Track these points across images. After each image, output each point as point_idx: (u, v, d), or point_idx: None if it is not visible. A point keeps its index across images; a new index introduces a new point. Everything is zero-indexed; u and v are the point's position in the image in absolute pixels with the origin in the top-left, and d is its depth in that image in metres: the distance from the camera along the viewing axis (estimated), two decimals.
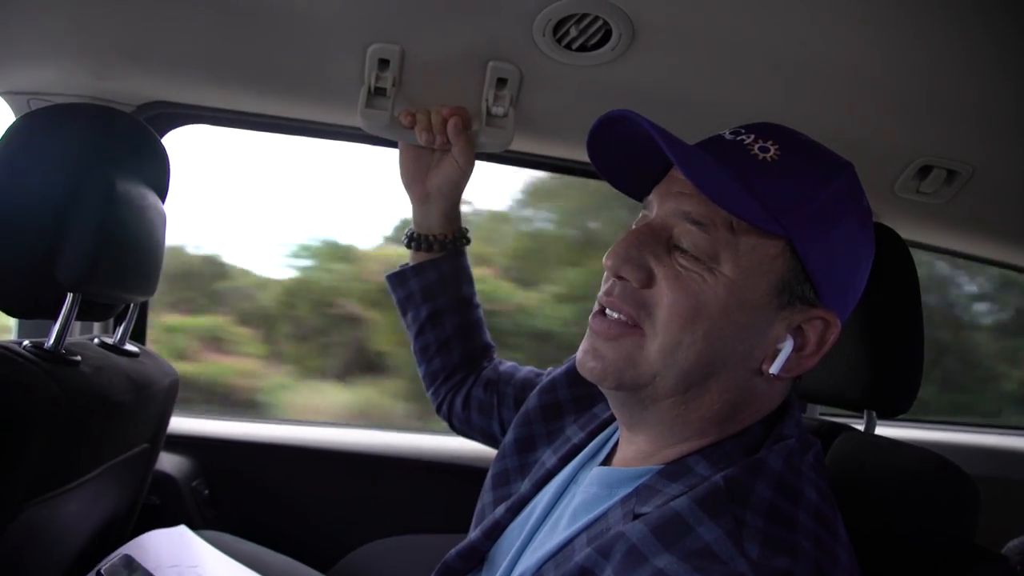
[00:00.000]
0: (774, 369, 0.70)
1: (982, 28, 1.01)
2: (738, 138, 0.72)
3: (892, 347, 0.95)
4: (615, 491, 0.74)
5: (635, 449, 0.77)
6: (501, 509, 0.89)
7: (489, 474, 0.99)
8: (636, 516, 0.68)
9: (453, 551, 0.89)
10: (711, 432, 0.72)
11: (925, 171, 1.34)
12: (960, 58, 1.08)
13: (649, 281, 0.71)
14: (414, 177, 1.13)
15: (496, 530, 0.88)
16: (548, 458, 0.91)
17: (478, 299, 1.19)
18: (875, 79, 1.14)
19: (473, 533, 0.90)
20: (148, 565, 0.92)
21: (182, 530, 1.12)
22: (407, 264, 1.16)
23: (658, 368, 0.70)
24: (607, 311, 0.73)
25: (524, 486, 0.90)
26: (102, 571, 0.86)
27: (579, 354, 0.75)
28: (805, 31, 1.06)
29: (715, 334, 0.68)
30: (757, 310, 0.69)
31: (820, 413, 1.60)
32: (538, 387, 1.02)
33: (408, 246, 1.16)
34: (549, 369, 1.10)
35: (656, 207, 0.74)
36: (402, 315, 1.18)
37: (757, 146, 0.70)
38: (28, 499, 0.80)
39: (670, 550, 0.60)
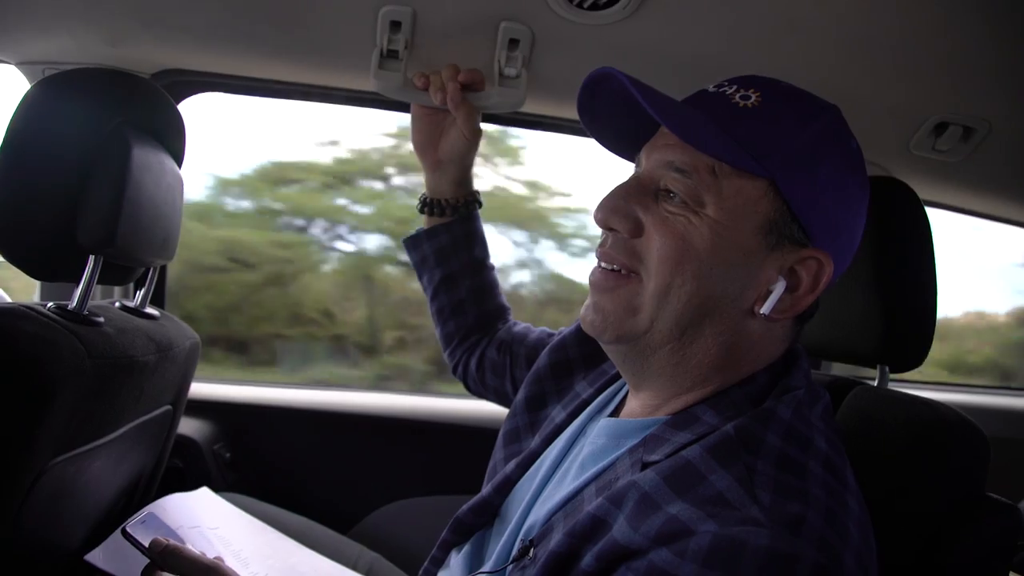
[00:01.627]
0: (765, 309, 0.71)
1: None
2: (720, 89, 0.74)
3: (904, 302, 0.95)
4: (623, 442, 0.76)
5: (641, 402, 0.79)
6: (511, 465, 0.91)
7: (500, 432, 1.01)
8: (645, 465, 0.69)
9: (465, 506, 0.91)
10: (714, 379, 0.74)
11: (941, 128, 1.33)
12: (975, 15, 1.07)
13: (638, 230, 0.73)
14: (427, 143, 1.14)
15: (507, 485, 0.90)
16: (557, 414, 0.93)
17: (492, 261, 1.21)
18: (888, 37, 1.13)
19: (485, 489, 0.92)
20: (170, 525, 0.94)
21: (204, 492, 1.15)
22: (421, 228, 1.18)
23: (654, 313, 0.72)
24: (603, 265, 0.76)
25: (534, 441, 0.92)
26: (127, 528, 0.88)
27: (582, 310, 0.78)
28: None
29: (704, 274, 0.70)
30: (745, 251, 0.70)
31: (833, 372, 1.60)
32: (548, 346, 1.04)
33: (421, 211, 1.18)
34: (560, 329, 1.11)
35: (644, 161, 0.76)
36: (419, 278, 1.21)
37: (738, 95, 0.72)
38: (56, 454, 0.82)
39: (683, 497, 0.61)
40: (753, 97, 0.72)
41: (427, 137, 1.14)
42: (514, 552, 0.77)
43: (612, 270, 0.75)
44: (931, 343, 0.97)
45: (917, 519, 0.84)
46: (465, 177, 1.16)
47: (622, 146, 0.82)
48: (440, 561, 0.94)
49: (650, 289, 0.72)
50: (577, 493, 0.75)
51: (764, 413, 0.68)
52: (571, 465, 0.81)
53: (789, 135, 0.70)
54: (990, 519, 0.84)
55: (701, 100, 0.74)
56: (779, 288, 0.71)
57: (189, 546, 0.90)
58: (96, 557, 0.88)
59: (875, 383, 1.01)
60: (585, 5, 1.08)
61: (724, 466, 0.63)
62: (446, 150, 1.13)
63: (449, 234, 1.15)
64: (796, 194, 0.70)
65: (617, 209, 0.73)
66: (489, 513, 0.90)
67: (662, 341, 0.73)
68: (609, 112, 0.78)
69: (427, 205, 1.16)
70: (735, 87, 0.73)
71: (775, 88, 0.73)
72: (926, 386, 2.05)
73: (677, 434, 0.70)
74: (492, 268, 1.21)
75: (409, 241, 1.19)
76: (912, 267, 0.95)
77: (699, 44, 1.18)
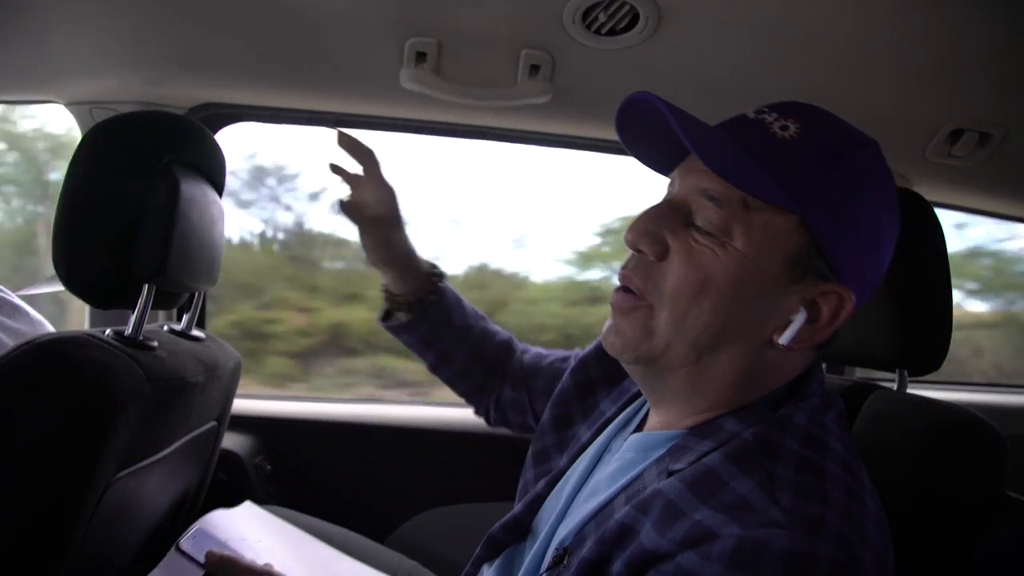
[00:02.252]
0: (784, 340, 0.71)
1: None
2: (759, 116, 0.73)
3: (921, 308, 0.98)
4: (649, 453, 0.77)
5: (662, 419, 0.80)
6: (542, 484, 0.92)
7: (529, 452, 1.03)
8: (670, 473, 0.70)
9: (498, 524, 0.92)
10: (732, 400, 0.74)
11: (956, 135, 1.35)
12: (984, 22, 1.09)
13: (664, 254, 0.73)
14: (380, 252, 1.13)
15: (536, 502, 0.91)
16: (583, 432, 0.95)
17: (474, 311, 1.22)
18: (900, 48, 1.16)
19: (517, 507, 0.93)
20: (220, 538, 1.00)
21: (247, 505, 1.20)
22: (395, 321, 1.18)
23: (669, 338, 0.72)
24: (621, 285, 0.76)
25: (562, 460, 0.93)
26: (180, 545, 0.93)
27: (603, 332, 0.78)
28: (828, 8, 1.08)
29: (723, 306, 0.70)
30: (769, 283, 0.70)
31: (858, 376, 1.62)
32: (570, 368, 1.05)
33: (386, 317, 1.19)
34: (576, 351, 1.12)
35: (678, 184, 0.76)
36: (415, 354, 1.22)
37: (777, 124, 0.71)
38: (119, 470, 0.88)
39: (707, 503, 0.63)
40: (792, 128, 0.71)
41: (377, 245, 1.13)
42: (547, 560, 0.78)
43: (628, 291, 0.75)
44: (948, 347, 0.99)
45: (937, 519, 0.86)
46: (412, 268, 1.15)
47: (659, 163, 0.82)
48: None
49: (663, 318, 0.72)
50: (608, 503, 0.76)
51: (781, 419, 0.70)
52: (600, 478, 0.82)
53: (825, 171, 0.70)
54: (1010, 518, 0.86)
55: (739, 127, 0.74)
56: (799, 320, 0.71)
57: (239, 557, 0.95)
58: None
59: (895, 387, 1.04)
60: (603, 31, 1.12)
61: (745, 472, 0.64)
62: (392, 249, 1.13)
63: (426, 323, 1.16)
64: (826, 231, 0.69)
65: (648, 232, 0.73)
66: (520, 531, 0.91)
67: (678, 364, 0.74)
68: (645, 132, 0.77)
69: (400, 308, 1.16)
70: (775, 115, 0.72)
71: (815, 119, 0.73)
72: (945, 386, 2.06)
73: (700, 443, 0.72)
74: (480, 318, 1.22)
75: (390, 328, 1.19)
76: (927, 275, 0.98)
77: (715, 64, 1.22)
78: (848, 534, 0.60)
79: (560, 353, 1.18)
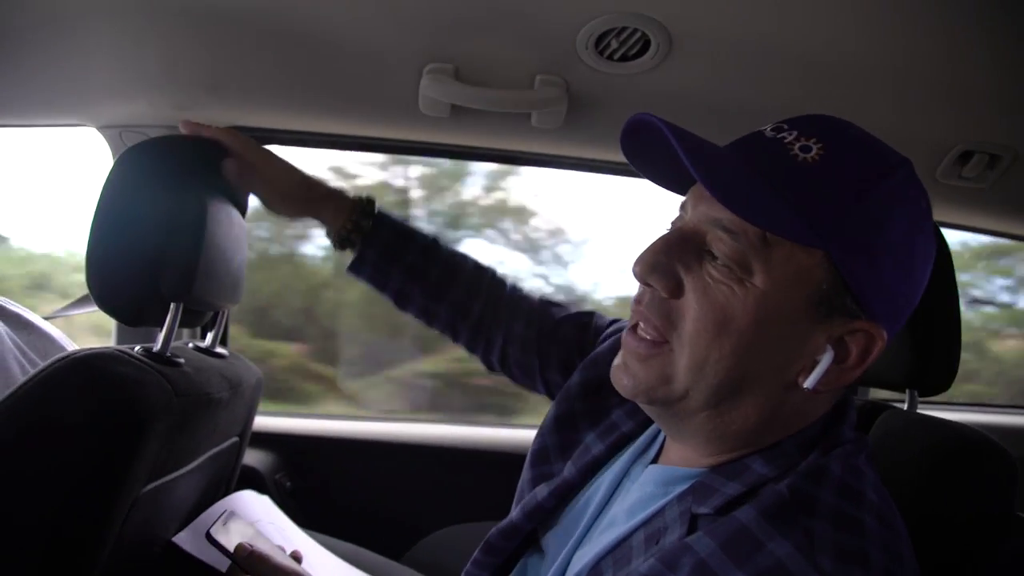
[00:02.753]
0: (809, 383, 0.65)
1: (1012, 14, 1.04)
2: (779, 135, 0.66)
3: (931, 328, 0.98)
4: (670, 488, 0.73)
5: (680, 454, 0.76)
6: (544, 491, 0.88)
7: (530, 451, 0.97)
8: (693, 516, 0.67)
9: (495, 529, 0.89)
10: (756, 442, 0.70)
11: (966, 157, 1.36)
12: (992, 44, 1.11)
13: (677, 290, 0.67)
14: (277, 202, 1.08)
15: (538, 512, 0.87)
16: (593, 443, 0.89)
17: (435, 246, 1.09)
18: (909, 70, 1.18)
19: (514, 512, 0.90)
20: (248, 518, 1.02)
21: (266, 498, 1.23)
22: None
23: (688, 384, 0.67)
24: (640, 326, 0.71)
25: (568, 469, 0.89)
26: (210, 532, 0.94)
27: (612, 367, 0.73)
28: (836, 30, 1.10)
29: (744, 348, 0.65)
30: (792, 323, 0.65)
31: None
32: (583, 362, 0.97)
33: (340, 248, 1.09)
34: (607, 322, 1.05)
35: (690, 210, 0.70)
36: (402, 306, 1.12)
37: (798, 145, 0.65)
38: (148, 482, 0.91)
39: (742, 568, 0.58)
40: (814, 149, 0.64)
41: (273, 195, 1.07)
42: None
43: (644, 338, 0.70)
44: (957, 368, 1.00)
45: (947, 539, 0.86)
46: (330, 206, 1.06)
47: (673, 182, 0.76)
48: (479, 564, 0.93)
49: (684, 360, 0.67)
50: (626, 539, 0.73)
51: (816, 470, 0.65)
52: (619, 509, 0.78)
53: (851, 200, 0.63)
54: (1020, 538, 0.87)
55: (755, 148, 0.67)
56: (826, 360, 0.65)
57: (269, 540, 0.96)
58: (184, 541, 0.96)
59: (904, 407, 1.05)
60: (615, 57, 1.15)
61: (782, 533, 0.59)
62: (284, 191, 1.06)
63: (364, 263, 1.06)
64: (853, 267, 0.63)
65: (657, 266, 0.67)
66: (519, 537, 0.89)
67: (697, 408, 0.68)
68: (654, 154, 0.72)
69: (339, 242, 1.07)
70: (795, 133, 0.65)
71: (841, 137, 0.66)
72: (955, 407, 2.05)
73: (727, 484, 0.67)
74: (439, 257, 1.08)
75: (355, 272, 1.08)
76: (937, 296, 0.99)
77: (726, 88, 1.24)
78: None
79: (582, 314, 1.08)
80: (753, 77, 1.22)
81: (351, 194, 1.08)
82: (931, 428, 0.95)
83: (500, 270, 1.13)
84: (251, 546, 0.89)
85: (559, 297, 1.13)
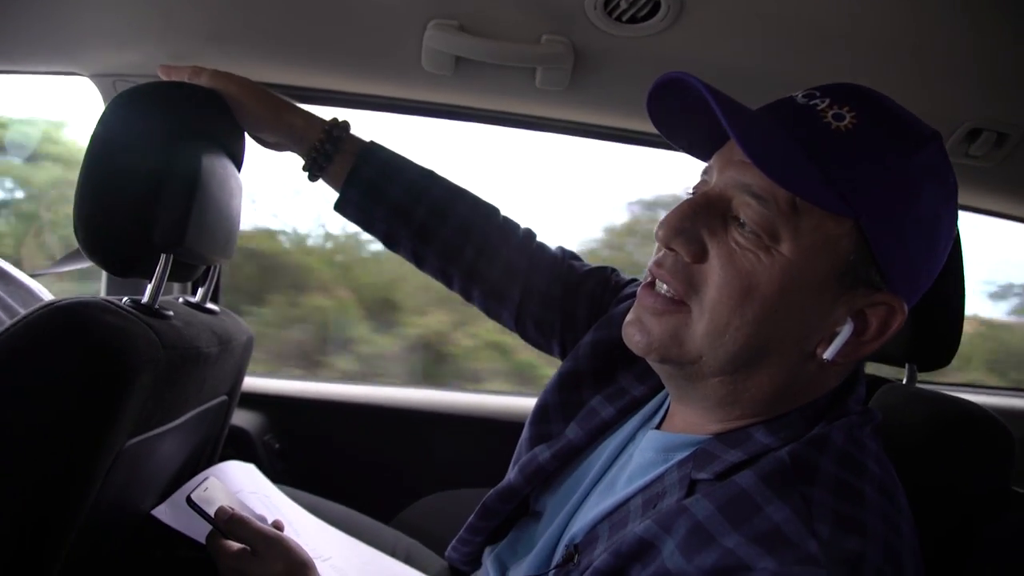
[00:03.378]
0: (828, 354, 0.66)
1: None
2: (811, 102, 0.66)
3: (932, 303, 0.98)
4: (670, 455, 0.73)
5: (684, 420, 0.76)
6: (546, 453, 0.87)
7: (532, 409, 0.95)
8: (693, 481, 0.67)
9: (492, 492, 0.89)
10: (763, 412, 0.70)
11: (974, 135, 1.35)
12: (1004, 21, 1.09)
13: (702, 256, 0.67)
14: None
15: (539, 475, 0.87)
16: (601, 406, 0.88)
17: (424, 183, 1.00)
18: (918, 45, 1.16)
19: (512, 473, 0.90)
20: (232, 488, 1.01)
21: (252, 467, 1.22)
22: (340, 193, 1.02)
23: (703, 349, 0.67)
24: (656, 283, 0.70)
25: (573, 431, 0.88)
26: (191, 496, 0.93)
27: (625, 324, 0.72)
28: (851, 1, 1.08)
29: (767, 317, 0.64)
30: (816, 293, 0.64)
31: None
32: (597, 322, 0.95)
33: (313, 178, 1.02)
34: (624, 280, 1.01)
35: (716, 175, 0.69)
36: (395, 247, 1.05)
37: (831, 112, 0.64)
38: (132, 436, 0.89)
39: (738, 530, 0.59)
40: (848, 118, 0.63)
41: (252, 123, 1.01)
42: (558, 558, 0.76)
43: (661, 294, 0.69)
44: (959, 343, 0.99)
45: (943, 512, 0.86)
46: (300, 122, 1.00)
47: (693, 145, 0.75)
48: (468, 542, 0.94)
49: (703, 325, 0.66)
50: (624, 503, 0.73)
51: (818, 439, 0.65)
52: (619, 474, 0.79)
53: (884, 171, 0.63)
54: (1016, 512, 0.87)
55: (787, 113, 0.66)
56: (846, 332, 0.65)
57: (251, 509, 0.95)
58: (162, 513, 0.94)
59: (904, 381, 1.04)
60: (624, 18, 1.12)
61: (781, 497, 0.60)
62: (257, 124, 1.02)
63: (344, 199, 1.00)
64: (882, 238, 0.63)
65: (683, 230, 0.67)
66: (516, 499, 0.88)
67: (711, 373, 0.68)
68: (676, 116, 0.71)
69: (309, 167, 1.00)
70: (828, 101, 0.65)
71: (874, 107, 0.65)
72: (956, 387, 2.06)
73: (728, 451, 0.67)
74: (427, 186, 1.01)
75: (337, 208, 1.02)
76: (942, 272, 0.98)
77: (734, 55, 1.22)
78: (887, 571, 0.57)
79: (604, 269, 1.02)
80: (763, 44, 1.20)
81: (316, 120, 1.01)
82: (930, 402, 0.95)
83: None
84: (232, 510, 0.87)
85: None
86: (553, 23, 1.17)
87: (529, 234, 1.04)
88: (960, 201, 1.51)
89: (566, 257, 1.04)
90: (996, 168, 1.41)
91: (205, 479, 0.98)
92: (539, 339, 1.03)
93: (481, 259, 1.00)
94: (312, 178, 1.01)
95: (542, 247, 1.03)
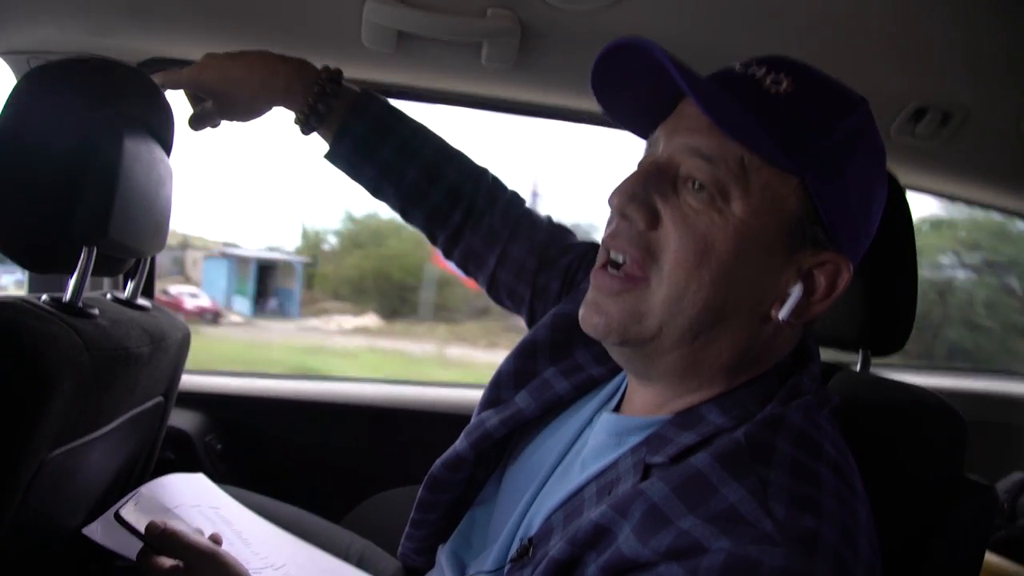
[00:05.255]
0: (782, 314, 0.67)
1: None
2: (749, 71, 0.68)
3: (885, 288, 0.98)
4: (624, 439, 0.73)
5: (643, 400, 0.76)
6: (493, 418, 0.87)
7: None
8: (647, 466, 0.67)
9: (438, 461, 0.89)
10: (722, 382, 0.71)
11: (919, 114, 1.36)
12: (944, 0, 1.09)
13: (655, 222, 0.68)
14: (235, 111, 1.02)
15: (484, 440, 0.87)
16: (556, 379, 0.88)
17: (416, 140, 1.01)
18: (866, 22, 1.16)
19: (459, 441, 0.89)
20: (169, 503, 0.94)
21: (200, 476, 1.15)
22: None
23: (664, 318, 0.67)
24: (611, 254, 0.70)
25: (524, 400, 0.87)
26: (119, 512, 0.87)
27: (582, 309, 0.72)
28: None
29: (723, 278, 0.66)
30: (768, 252, 0.66)
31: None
32: (567, 296, 0.96)
33: (307, 132, 1.01)
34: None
35: (663, 143, 0.70)
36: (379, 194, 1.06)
37: (769, 79, 0.67)
38: (56, 446, 0.83)
39: (694, 511, 0.59)
40: (785, 83, 0.66)
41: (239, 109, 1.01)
42: (512, 552, 0.75)
43: (616, 275, 0.70)
44: (912, 327, 0.99)
45: (897, 500, 0.86)
46: (282, 85, 0.98)
47: (634, 121, 0.76)
48: (419, 523, 0.93)
49: (660, 295, 0.67)
50: (578, 492, 0.73)
51: (774, 419, 0.66)
52: (574, 459, 0.78)
53: (822, 130, 0.66)
54: (968, 500, 0.87)
55: (728, 81, 0.69)
56: (796, 292, 0.67)
57: (187, 524, 0.89)
58: (94, 532, 0.87)
59: (857, 368, 1.03)
60: None
61: (736, 477, 0.60)
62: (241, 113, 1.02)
63: (348, 142, 0.99)
64: (826, 194, 0.66)
65: (635, 196, 0.68)
66: (463, 468, 0.88)
67: (672, 346, 0.69)
68: (623, 85, 0.72)
69: (303, 122, 0.99)
70: (764, 68, 0.68)
71: (807, 75, 0.68)
72: (908, 369, 2.11)
73: (681, 434, 0.68)
74: (428, 142, 1.02)
75: (328, 157, 1.02)
76: (893, 254, 0.98)
77: (685, 30, 1.20)
78: (843, 551, 0.58)
79: (582, 247, 1.02)
80: (711, 20, 1.18)
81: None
82: (884, 389, 0.95)
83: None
84: (164, 524, 0.81)
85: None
86: None
87: (515, 200, 1.05)
88: (908, 182, 1.58)
89: (551, 229, 1.04)
90: (941, 147, 1.42)
91: (137, 494, 0.91)
92: (511, 306, 1.05)
93: (467, 224, 1.02)
94: (305, 133, 1.01)
95: (527, 215, 1.04)
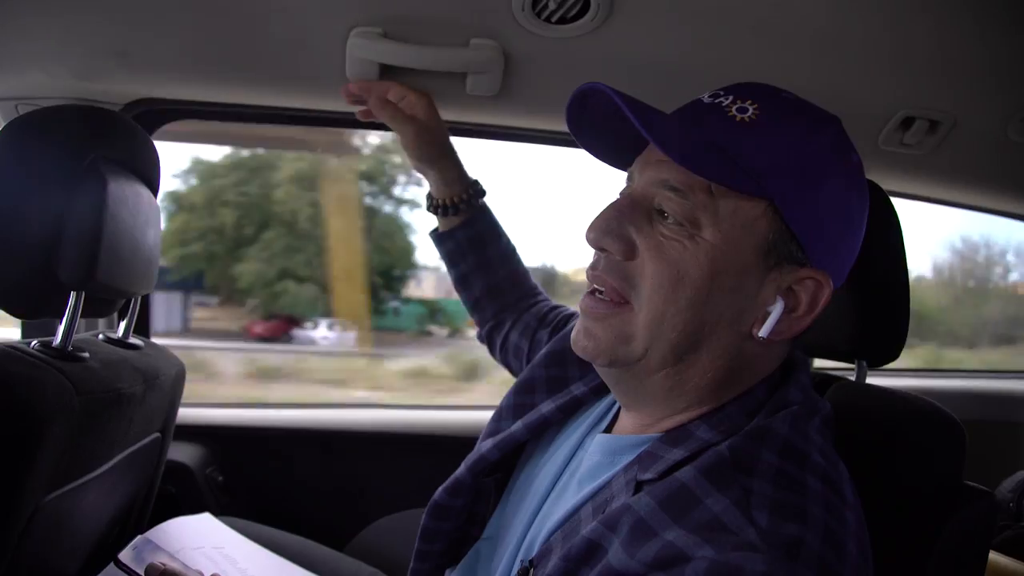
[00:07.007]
0: (763, 332, 0.69)
1: None
2: (716, 100, 0.71)
3: (878, 299, 0.97)
4: (617, 459, 0.74)
5: (633, 420, 0.77)
6: (488, 443, 0.89)
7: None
8: (639, 483, 0.68)
9: (440, 488, 0.90)
10: (709, 399, 0.72)
11: (908, 123, 1.36)
12: (934, 9, 1.09)
13: (632, 252, 0.70)
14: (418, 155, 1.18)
15: (480, 464, 0.89)
16: (545, 405, 0.91)
17: (508, 254, 1.23)
18: (853, 34, 1.16)
19: (460, 468, 0.91)
20: (171, 548, 0.95)
21: (206, 516, 1.15)
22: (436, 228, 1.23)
23: (648, 342, 0.70)
24: (595, 287, 0.73)
25: (516, 425, 0.90)
26: (119, 557, 0.88)
27: (573, 334, 0.75)
28: None
29: (699, 302, 0.68)
30: (743, 273, 0.68)
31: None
32: (555, 337, 1.02)
33: (432, 212, 1.22)
34: (569, 312, 1.14)
35: (637, 177, 0.73)
36: (450, 267, 1.24)
37: (735, 107, 0.69)
38: (49, 491, 0.83)
39: (679, 523, 0.60)
40: (751, 110, 0.69)
41: (415, 141, 1.17)
42: (513, 574, 0.75)
43: (602, 299, 0.73)
44: (906, 337, 0.99)
45: (897, 509, 0.85)
46: (450, 174, 1.18)
47: (613, 157, 0.80)
48: (424, 555, 0.93)
49: (642, 319, 0.70)
50: (575, 512, 0.74)
51: (759, 431, 0.67)
52: (569, 480, 0.80)
53: (789, 152, 0.68)
54: (967, 507, 0.86)
55: (695, 113, 0.72)
56: (777, 310, 0.69)
57: (190, 566, 0.90)
58: None
59: (854, 378, 1.03)
60: (553, 19, 1.09)
61: (720, 489, 0.61)
62: (419, 153, 1.17)
63: (470, 229, 1.19)
64: (796, 214, 0.68)
65: (610, 230, 0.71)
66: (464, 493, 0.89)
67: (657, 367, 0.71)
68: (599, 124, 0.75)
69: (435, 207, 1.20)
70: (731, 98, 0.70)
71: (774, 99, 0.71)
72: (904, 373, 2.09)
73: (671, 451, 0.69)
74: (508, 261, 1.23)
75: (437, 238, 1.22)
76: (885, 265, 0.97)
77: (669, 52, 1.20)
78: (828, 556, 0.58)
79: (566, 311, 1.18)
80: (695, 39, 1.18)
81: (466, 173, 1.20)
82: (882, 399, 0.95)
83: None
84: (164, 566, 0.82)
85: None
86: (480, 26, 1.13)
87: (530, 281, 1.25)
88: (897, 188, 1.57)
89: (540, 293, 1.24)
90: (930, 155, 1.42)
91: (138, 540, 0.92)
92: (508, 359, 1.21)
93: (511, 302, 1.22)
94: (432, 212, 1.21)
95: (535, 286, 1.25)
